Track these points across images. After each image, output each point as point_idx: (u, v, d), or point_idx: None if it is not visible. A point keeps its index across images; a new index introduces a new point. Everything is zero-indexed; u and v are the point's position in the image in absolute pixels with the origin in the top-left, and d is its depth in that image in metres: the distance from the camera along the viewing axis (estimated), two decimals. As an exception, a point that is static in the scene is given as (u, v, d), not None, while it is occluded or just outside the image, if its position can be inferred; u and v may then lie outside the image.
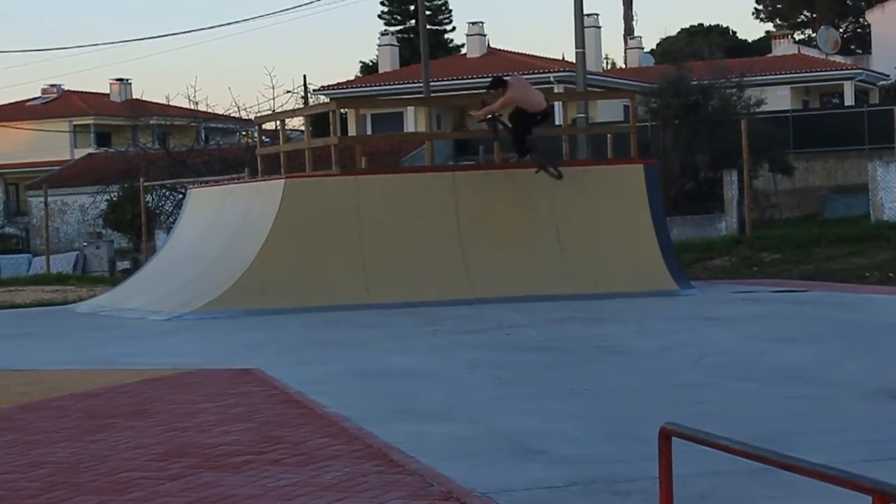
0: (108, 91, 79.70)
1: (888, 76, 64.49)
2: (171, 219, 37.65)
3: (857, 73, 63.28)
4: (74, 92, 79.76)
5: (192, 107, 54.21)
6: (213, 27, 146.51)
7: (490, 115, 21.57)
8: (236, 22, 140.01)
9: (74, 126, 75.48)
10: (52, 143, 71.90)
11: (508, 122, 21.64)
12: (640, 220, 22.42)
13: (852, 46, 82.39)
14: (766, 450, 6.33)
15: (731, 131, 33.72)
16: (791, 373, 11.92)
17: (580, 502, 7.08)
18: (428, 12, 60.44)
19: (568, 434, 9.17)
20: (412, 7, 68.79)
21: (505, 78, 22.02)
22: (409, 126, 54.78)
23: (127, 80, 79.45)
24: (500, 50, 62.14)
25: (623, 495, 7.16)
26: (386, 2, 77.06)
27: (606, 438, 8.98)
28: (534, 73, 54.76)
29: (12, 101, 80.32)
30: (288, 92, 65.03)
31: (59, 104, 77.85)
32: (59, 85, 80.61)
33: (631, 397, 10.84)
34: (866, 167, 34.04)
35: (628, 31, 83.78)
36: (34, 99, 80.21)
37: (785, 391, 10.84)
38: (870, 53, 73.87)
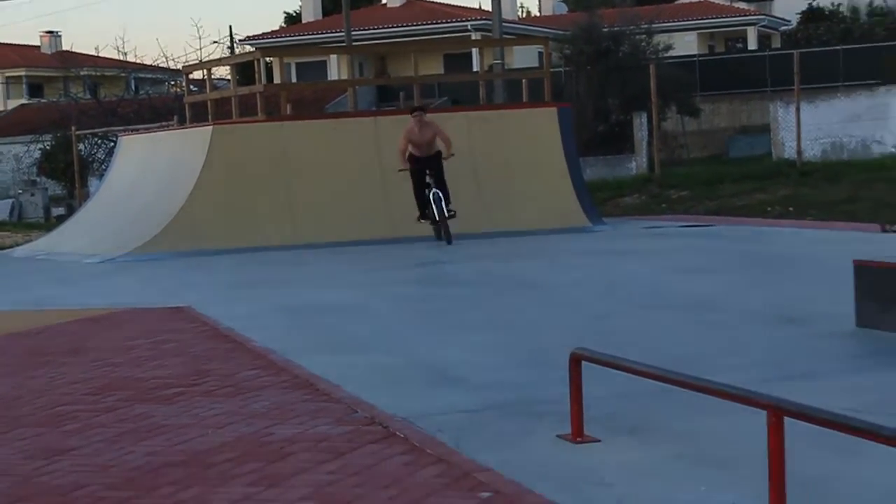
0: (38, 43, 78.67)
1: (789, 22, 64.91)
2: (103, 166, 37.25)
3: (759, 18, 63.67)
4: (5, 44, 78.65)
5: (122, 58, 53.64)
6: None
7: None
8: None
9: (6, 78, 74.57)
10: (-15, 95, 71.03)
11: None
12: (554, 160, 22.56)
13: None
14: (671, 371, 6.45)
15: (640, 76, 33.83)
16: (696, 301, 12.06)
17: (496, 424, 7.16)
18: (349, -36, 59.88)
19: (486, 362, 9.24)
20: (334, -41, 68.19)
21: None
22: (333, 74, 54.49)
23: (57, 32, 78.51)
24: (419, 0, 61.87)
25: (537, 416, 7.25)
26: (308, -47, 76.36)
27: (522, 365, 9.06)
28: (452, 22, 54.67)
29: (-56, 54, 79.14)
30: (214, 42, 64.90)
31: (-10, 57, 76.79)
32: (-10, 38, 79.50)
33: (546, 327, 10.94)
34: (768, 108, 34.31)
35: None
36: (-34, 52, 79.02)
37: (690, 318, 10.97)
38: (772, 0, 74.29)
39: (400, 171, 20.04)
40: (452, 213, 19.95)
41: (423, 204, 20.08)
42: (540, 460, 6.31)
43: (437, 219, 19.95)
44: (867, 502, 5.41)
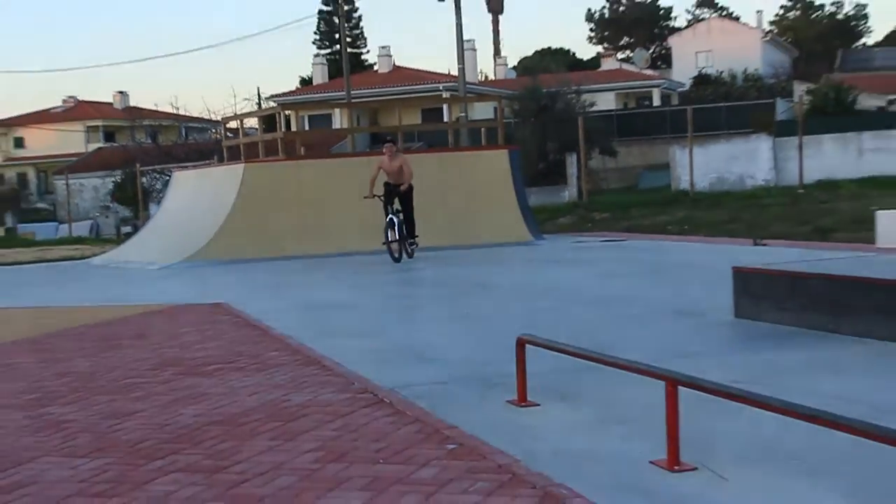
0: (111, 101, 78.49)
1: (684, 84, 65.33)
2: (160, 195, 37.11)
3: (662, 82, 63.95)
4: (86, 102, 78.54)
5: (175, 111, 53.56)
6: (190, 51, 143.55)
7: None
8: (208, 47, 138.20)
9: (87, 127, 74.40)
10: (71, 140, 70.97)
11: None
12: (505, 190, 22.60)
13: (659, 63, 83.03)
14: (593, 351, 6.47)
15: (571, 126, 34.00)
16: (612, 298, 12.07)
17: (461, 392, 7.16)
18: (349, 39, 59.97)
19: (452, 345, 9.22)
20: (337, 35, 68.06)
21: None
22: (336, 123, 54.41)
23: (125, 92, 78.35)
24: (403, 67, 61.85)
25: (492, 386, 7.25)
26: (318, 31, 76.33)
27: (482, 347, 9.04)
28: (428, 84, 54.66)
29: (40, 109, 79.09)
30: (246, 99, 64.88)
31: (75, 111, 76.73)
32: (75, 96, 79.43)
33: (499, 318, 10.92)
34: (669, 151, 34.50)
35: (497, 52, 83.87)
36: (56, 107, 78.89)
37: (608, 311, 10.98)
38: (671, 68, 74.61)
39: (365, 197, 18.67)
40: (415, 246, 18.80)
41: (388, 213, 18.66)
42: (493, 420, 6.31)
43: (388, 239, 18.41)
44: (743, 452, 5.43)
